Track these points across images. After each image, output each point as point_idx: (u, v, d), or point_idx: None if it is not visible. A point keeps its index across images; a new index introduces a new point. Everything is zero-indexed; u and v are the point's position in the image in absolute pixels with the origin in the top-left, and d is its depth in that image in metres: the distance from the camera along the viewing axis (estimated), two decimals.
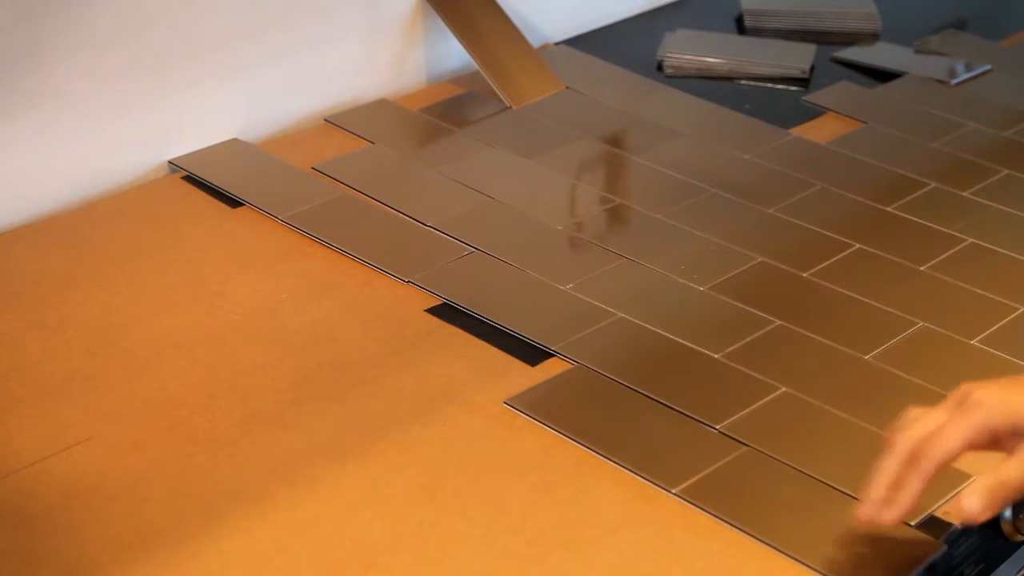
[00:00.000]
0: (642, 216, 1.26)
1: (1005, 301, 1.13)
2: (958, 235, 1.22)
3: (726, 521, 0.89)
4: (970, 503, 0.79)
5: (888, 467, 0.82)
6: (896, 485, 0.81)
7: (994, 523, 0.94)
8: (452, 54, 1.53)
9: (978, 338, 1.08)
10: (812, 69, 1.57)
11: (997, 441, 0.81)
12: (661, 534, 0.89)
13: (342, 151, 1.36)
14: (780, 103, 1.51)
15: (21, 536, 0.88)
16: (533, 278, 1.15)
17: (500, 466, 0.94)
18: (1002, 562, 0.97)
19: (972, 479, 0.93)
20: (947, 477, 0.93)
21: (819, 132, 1.43)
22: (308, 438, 0.96)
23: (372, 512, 0.90)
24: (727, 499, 0.91)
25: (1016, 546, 0.98)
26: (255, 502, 0.90)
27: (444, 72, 1.55)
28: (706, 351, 1.06)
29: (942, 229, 1.23)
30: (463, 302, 1.11)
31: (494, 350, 1.06)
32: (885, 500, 0.81)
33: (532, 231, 1.23)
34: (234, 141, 1.37)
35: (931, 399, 1.00)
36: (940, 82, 1.53)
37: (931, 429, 0.81)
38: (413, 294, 1.13)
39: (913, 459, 0.81)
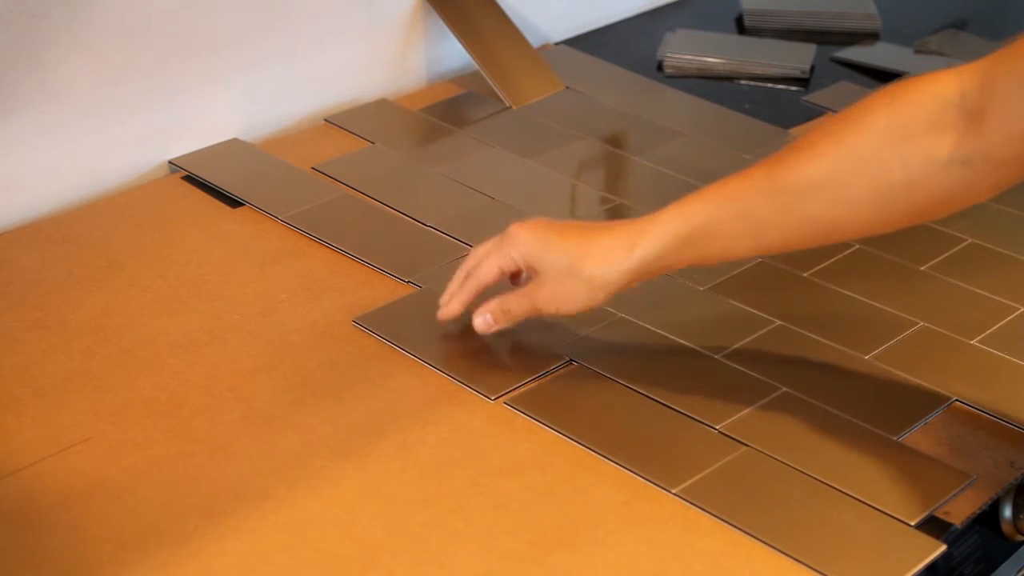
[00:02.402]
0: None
1: (1005, 301, 1.13)
2: (958, 235, 1.22)
3: (726, 521, 0.89)
4: (477, 321, 1.03)
5: (451, 285, 1.05)
6: (452, 296, 1.05)
7: (994, 523, 0.94)
8: (452, 54, 1.53)
9: (978, 338, 1.08)
10: (812, 69, 1.57)
11: (523, 268, 1.02)
12: (661, 534, 0.89)
13: (342, 151, 1.36)
14: (780, 103, 1.51)
15: (21, 536, 0.88)
16: None
17: (500, 466, 0.94)
18: (1002, 562, 0.97)
19: (972, 479, 0.93)
20: (947, 478, 0.93)
21: None
22: (308, 438, 0.96)
23: (372, 512, 0.90)
24: (727, 499, 0.91)
25: (1016, 546, 0.98)
26: (255, 502, 0.90)
27: (444, 72, 1.55)
28: (706, 351, 1.06)
29: (942, 229, 1.23)
30: None
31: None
32: (445, 304, 1.05)
33: None
34: (234, 141, 1.37)
35: (931, 399, 1.01)
36: None
37: (480, 256, 1.03)
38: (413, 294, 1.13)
39: (466, 279, 1.04)
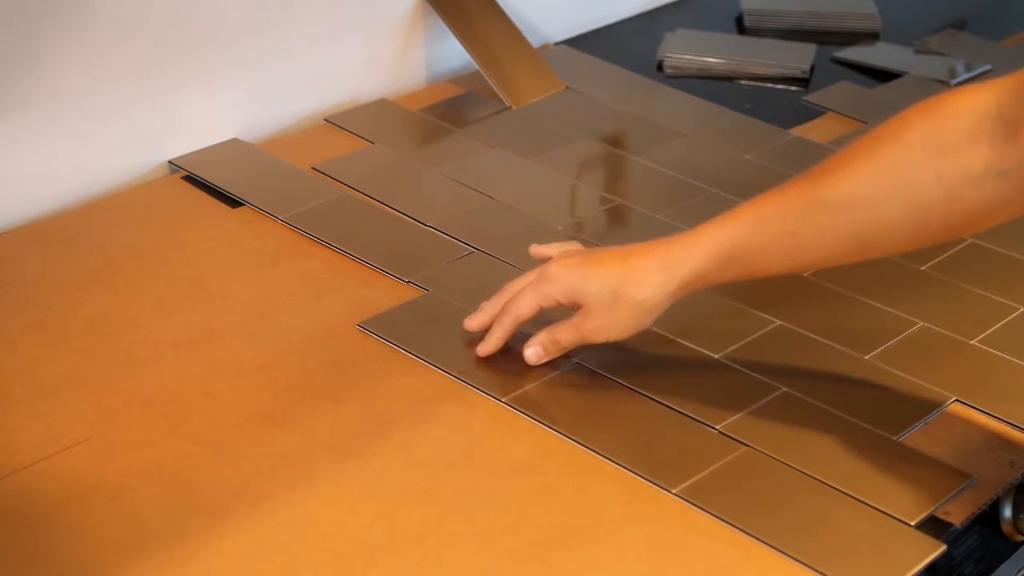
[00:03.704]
0: (642, 216, 1.26)
1: (1005, 301, 1.13)
2: None
3: (726, 521, 0.89)
4: (528, 353, 1.03)
5: (481, 315, 1.05)
6: (488, 330, 1.04)
7: (994, 523, 0.94)
8: (452, 54, 1.53)
9: (978, 338, 1.08)
10: (812, 69, 1.57)
11: (565, 305, 1.02)
12: (661, 534, 0.89)
13: (342, 151, 1.36)
14: (780, 103, 1.51)
15: (21, 536, 0.88)
16: None
17: (500, 466, 0.94)
18: (1002, 562, 0.97)
19: (973, 479, 0.93)
20: (947, 478, 0.93)
21: (819, 132, 1.43)
22: (308, 438, 0.96)
23: (372, 512, 0.90)
24: (727, 499, 0.91)
25: (1016, 546, 0.98)
26: (255, 502, 0.90)
27: (444, 72, 1.55)
28: (706, 351, 1.06)
29: None
30: (463, 302, 1.11)
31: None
32: (483, 342, 1.04)
33: (532, 231, 1.23)
34: (234, 141, 1.37)
35: (931, 399, 1.01)
36: (940, 82, 1.54)
37: (516, 291, 1.03)
38: (413, 294, 1.13)
39: (501, 313, 1.03)
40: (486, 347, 1.04)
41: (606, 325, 1.00)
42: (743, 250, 0.95)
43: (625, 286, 0.98)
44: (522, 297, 1.02)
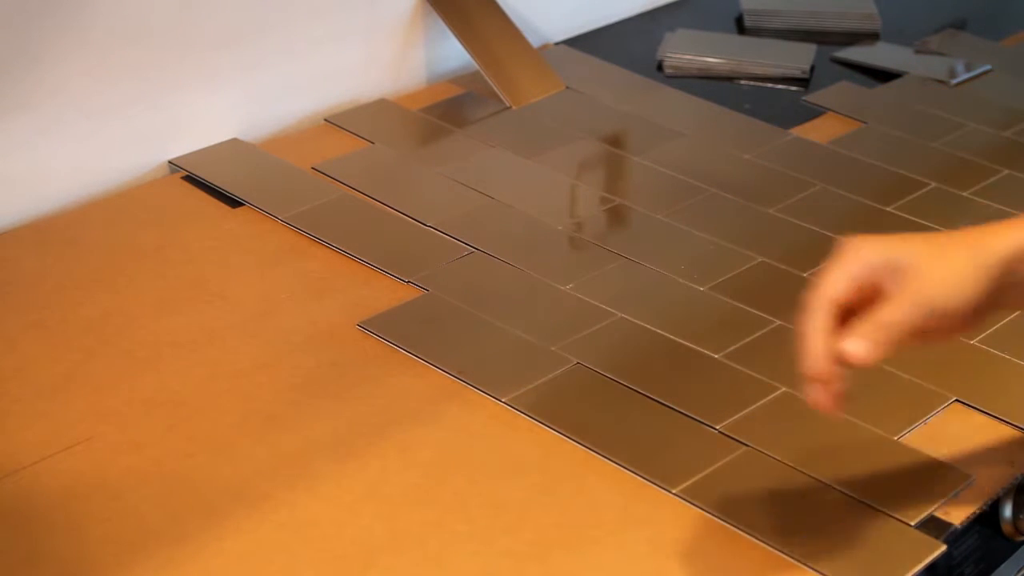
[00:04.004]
0: (642, 216, 1.26)
1: None
2: None
3: (726, 521, 0.89)
4: (855, 346, 0.80)
5: (803, 343, 0.83)
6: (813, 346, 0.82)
7: (994, 523, 0.94)
8: (452, 54, 1.53)
9: (978, 338, 1.08)
10: (812, 69, 1.57)
11: (879, 286, 0.82)
12: (661, 534, 0.89)
13: (342, 151, 1.36)
14: (780, 103, 1.51)
15: (21, 536, 0.88)
16: (533, 278, 1.15)
17: (500, 466, 0.94)
18: (1002, 562, 0.97)
19: (972, 479, 0.93)
20: (947, 478, 0.93)
21: (819, 132, 1.43)
22: (308, 438, 0.96)
23: (372, 512, 0.90)
24: (727, 499, 0.91)
25: (1016, 546, 0.98)
26: (255, 502, 0.90)
27: (444, 72, 1.55)
28: (706, 351, 1.06)
29: (942, 229, 1.23)
30: (463, 302, 1.11)
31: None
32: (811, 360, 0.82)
33: (532, 231, 1.23)
34: (234, 141, 1.37)
35: (930, 399, 1.01)
36: (940, 82, 1.54)
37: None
38: (413, 294, 1.13)
39: (814, 312, 0.82)
40: (814, 361, 0.82)
41: (942, 277, 0.80)
42: None
43: (947, 243, 0.82)
44: (826, 282, 0.82)
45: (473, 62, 1.49)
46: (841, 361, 0.81)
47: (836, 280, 0.82)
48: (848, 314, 0.82)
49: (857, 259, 0.82)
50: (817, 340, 0.82)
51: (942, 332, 0.82)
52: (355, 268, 1.17)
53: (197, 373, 1.03)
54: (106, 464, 0.94)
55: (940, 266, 0.81)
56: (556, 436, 0.97)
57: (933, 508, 0.90)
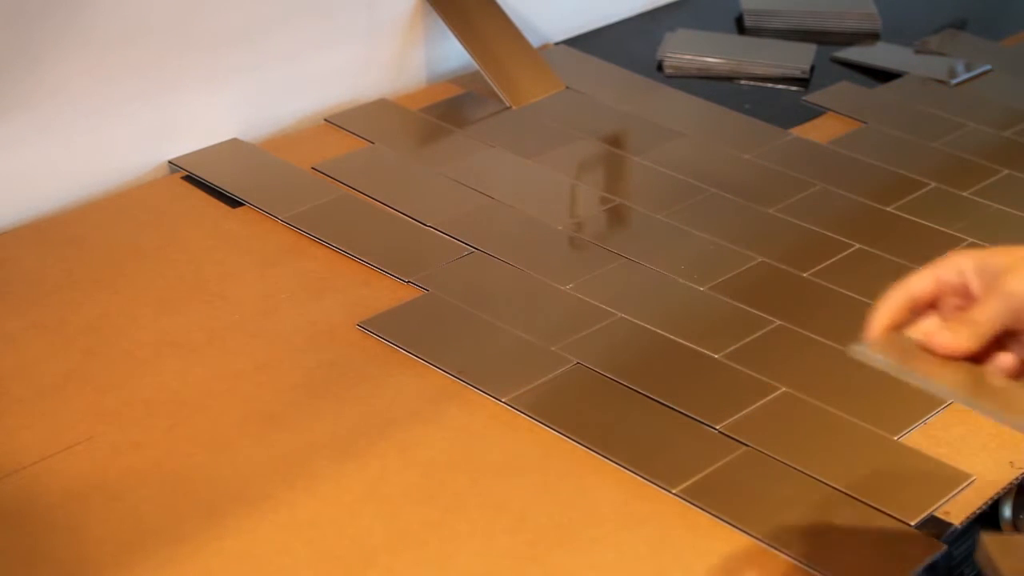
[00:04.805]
0: (642, 216, 1.26)
1: None
2: (958, 235, 1.22)
3: (726, 521, 0.89)
4: (943, 337, 0.81)
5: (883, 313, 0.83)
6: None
7: (994, 523, 0.94)
8: (452, 54, 1.53)
9: None
10: (812, 69, 1.57)
11: (970, 290, 0.82)
12: (661, 534, 0.89)
13: (342, 151, 1.36)
14: (780, 103, 1.51)
15: (21, 536, 0.88)
16: (533, 278, 1.15)
17: (500, 466, 0.94)
18: None
19: (972, 479, 0.93)
20: (948, 478, 0.93)
21: (819, 132, 1.43)
22: (308, 438, 0.96)
23: (372, 512, 0.90)
24: (727, 499, 0.91)
25: None
26: (255, 502, 0.90)
27: (444, 72, 1.55)
28: (706, 351, 1.06)
29: (942, 229, 1.23)
30: (463, 302, 1.11)
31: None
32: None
33: (532, 231, 1.23)
34: (234, 141, 1.37)
35: (931, 399, 1.01)
36: (940, 82, 1.54)
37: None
38: (413, 294, 1.13)
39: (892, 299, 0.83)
40: (875, 330, 0.83)
41: None
42: None
43: None
44: (914, 279, 0.83)
45: (473, 62, 1.49)
46: (921, 345, 0.82)
47: (920, 278, 0.83)
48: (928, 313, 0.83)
49: (948, 263, 0.83)
50: (882, 314, 0.83)
51: None
52: (355, 268, 1.17)
53: (197, 373, 1.03)
54: (106, 464, 0.94)
55: None
56: (556, 436, 0.97)
57: (933, 508, 0.90)
